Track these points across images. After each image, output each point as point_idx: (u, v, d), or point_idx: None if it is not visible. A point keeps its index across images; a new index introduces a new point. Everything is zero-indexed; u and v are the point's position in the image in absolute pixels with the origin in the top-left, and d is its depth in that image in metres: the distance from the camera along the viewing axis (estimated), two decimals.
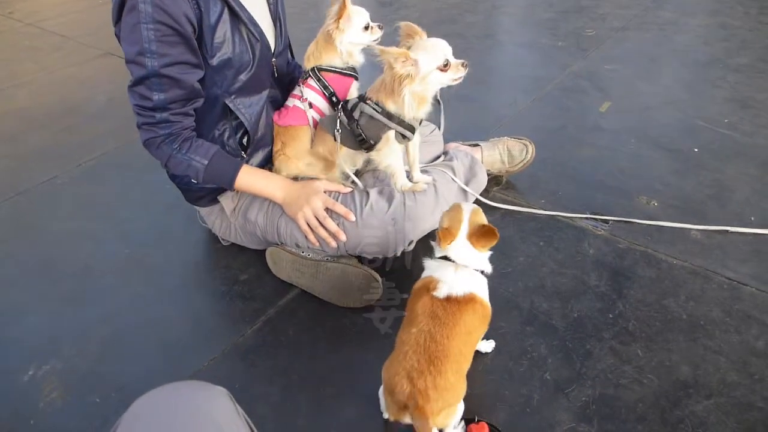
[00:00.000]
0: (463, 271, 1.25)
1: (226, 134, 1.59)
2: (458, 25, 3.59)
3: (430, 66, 1.43)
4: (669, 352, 1.43)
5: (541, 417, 1.31)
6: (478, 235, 1.25)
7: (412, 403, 1.10)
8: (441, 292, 1.21)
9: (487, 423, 1.26)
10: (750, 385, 1.35)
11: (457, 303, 1.20)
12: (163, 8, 1.30)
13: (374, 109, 1.49)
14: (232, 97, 1.53)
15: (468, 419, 1.25)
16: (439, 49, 1.45)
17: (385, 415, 1.30)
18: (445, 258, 1.27)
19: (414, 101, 1.46)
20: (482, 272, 1.28)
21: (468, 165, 1.83)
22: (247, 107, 1.56)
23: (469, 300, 1.21)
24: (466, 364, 1.20)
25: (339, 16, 1.57)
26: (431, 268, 1.29)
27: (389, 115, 1.50)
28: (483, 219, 1.30)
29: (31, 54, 3.65)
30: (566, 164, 2.18)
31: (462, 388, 1.18)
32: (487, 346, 1.44)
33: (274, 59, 1.63)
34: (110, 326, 1.64)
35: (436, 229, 1.30)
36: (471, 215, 1.27)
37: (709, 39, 3.19)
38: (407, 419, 1.15)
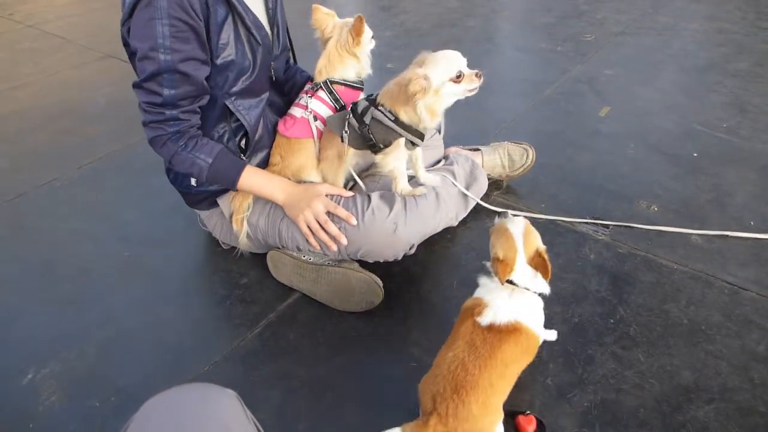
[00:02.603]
0: (519, 294, 1.21)
1: (226, 136, 1.59)
2: (457, 30, 3.59)
3: (441, 78, 1.43)
4: (670, 357, 1.44)
5: None
6: (537, 264, 1.22)
7: (432, 424, 1.09)
8: (485, 318, 1.19)
9: (535, 416, 1.26)
10: (751, 389, 1.35)
11: (498, 333, 1.16)
12: (178, 4, 1.31)
13: (386, 115, 1.49)
14: (233, 98, 1.53)
15: (518, 411, 1.26)
16: (451, 60, 1.45)
17: None
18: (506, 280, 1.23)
19: (427, 113, 1.46)
20: (540, 294, 1.25)
21: (468, 169, 1.83)
22: (247, 109, 1.56)
23: (512, 330, 1.17)
24: (496, 398, 1.16)
25: (358, 33, 1.58)
26: (486, 287, 1.26)
27: (401, 123, 1.49)
28: (537, 239, 1.26)
29: (31, 56, 3.65)
30: (566, 169, 2.18)
31: (489, 421, 1.14)
32: (551, 334, 1.41)
33: (272, 63, 1.63)
34: (110, 329, 1.63)
35: (494, 258, 1.25)
36: (525, 239, 1.23)
37: (707, 44, 3.20)
38: None
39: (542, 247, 1.26)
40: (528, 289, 1.23)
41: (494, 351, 1.15)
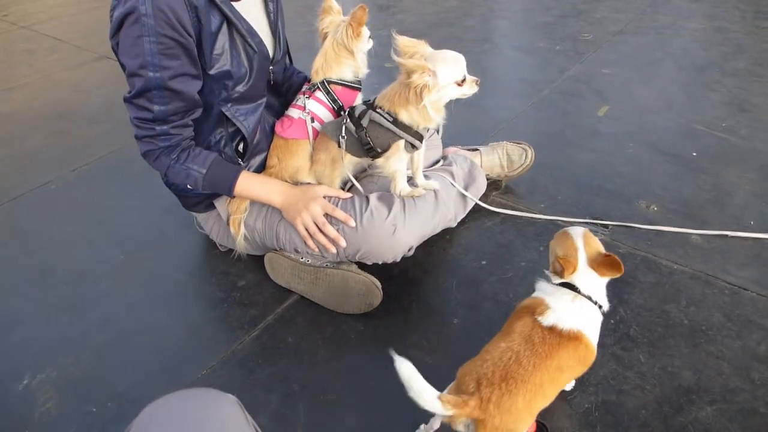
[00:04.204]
0: (581, 302, 1.17)
1: (222, 142, 1.57)
2: (455, 29, 3.59)
3: (448, 79, 1.42)
4: (671, 358, 1.43)
5: None
6: (602, 263, 1.17)
7: (472, 405, 1.05)
8: (547, 319, 1.15)
9: (536, 420, 1.23)
10: (752, 390, 1.34)
11: (558, 336, 1.13)
12: (166, 21, 1.30)
13: (385, 118, 1.48)
14: (229, 105, 1.52)
15: None
16: (459, 63, 1.44)
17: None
18: (565, 285, 1.19)
19: (433, 110, 1.45)
20: (600, 307, 1.20)
21: (467, 169, 1.82)
22: (244, 115, 1.55)
23: (573, 338, 1.13)
24: (542, 400, 1.12)
25: (359, 23, 1.54)
26: (546, 291, 1.22)
27: (400, 125, 1.48)
28: (598, 243, 1.23)
29: (26, 57, 3.63)
30: (565, 168, 2.17)
31: (525, 421, 1.11)
32: (569, 384, 1.36)
33: (271, 67, 1.62)
34: (106, 333, 1.62)
35: (554, 257, 1.22)
36: (585, 240, 1.21)
37: (706, 43, 3.20)
38: (459, 426, 1.10)
39: (603, 251, 1.21)
40: (590, 298, 1.18)
41: (552, 353, 1.10)
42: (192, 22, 1.35)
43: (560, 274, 1.19)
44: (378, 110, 1.48)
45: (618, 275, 1.17)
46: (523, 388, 1.07)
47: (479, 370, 1.09)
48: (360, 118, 1.50)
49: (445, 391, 1.15)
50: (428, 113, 1.44)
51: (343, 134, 1.53)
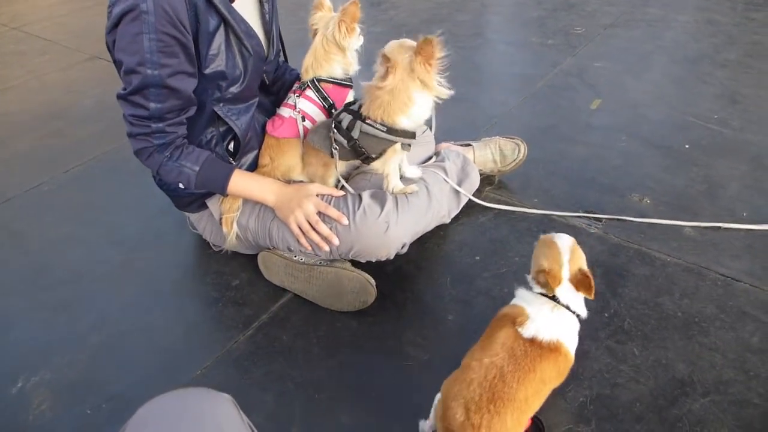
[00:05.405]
0: (560, 311, 1.19)
1: (214, 141, 1.57)
2: (448, 24, 3.58)
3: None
4: (665, 350, 1.43)
5: None
6: (579, 281, 1.20)
7: None
8: (527, 330, 1.16)
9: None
10: (746, 381, 1.35)
11: (539, 348, 1.14)
12: (167, 19, 1.29)
13: (377, 128, 1.46)
14: (221, 105, 1.51)
15: None
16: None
17: (425, 427, 1.24)
18: (545, 294, 1.21)
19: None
20: (578, 316, 1.23)
21: (460, 165, 1.82)
22: (236, 114, 1.54)
23: (553, 348, 1.15)
24: (528, 413, 1.14)
25: (353, 18, 1.54)
26: (525, 299, 1.23)
27: (397, 132, 1.47)
28: (582, 258, 1.24)
29: (17, 58, 3.61)
30: (558, 163, 2.17)
31: None
32: None
33: (263, 67, 1.61)
34: (101, 334, 1.62)
35: (539, 269, 1.23)
36: (571, 255, 1.22)
37: (697, 35, 3.20)
38: None
39: (585, 268, 1.24)
40: (568, 308, 1.20)
41: (534, 366, 1.12)
42: (190, 21, 1.34)
43: (544, 287, 1.20)
44: (368, 122, 1.46)
45: (588, 296, 1.20)
46: (511, 407, 1.08)
47: (465, 393, 1.09)
48: (349, 129, 1.49)
49: (432, 410, 1.17)
50: (436, 84, 1.42)
51: (335, 146, 1.52)
